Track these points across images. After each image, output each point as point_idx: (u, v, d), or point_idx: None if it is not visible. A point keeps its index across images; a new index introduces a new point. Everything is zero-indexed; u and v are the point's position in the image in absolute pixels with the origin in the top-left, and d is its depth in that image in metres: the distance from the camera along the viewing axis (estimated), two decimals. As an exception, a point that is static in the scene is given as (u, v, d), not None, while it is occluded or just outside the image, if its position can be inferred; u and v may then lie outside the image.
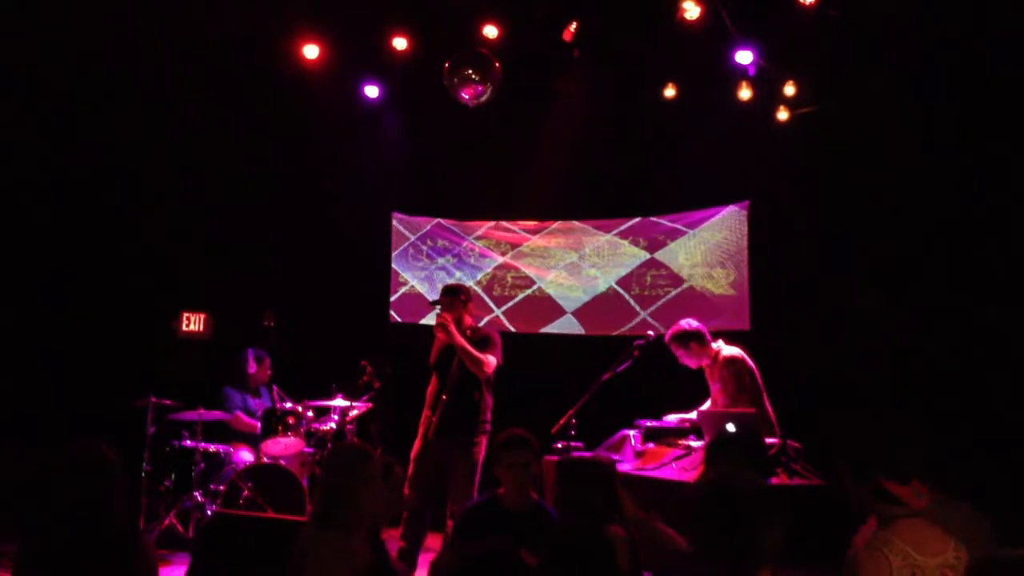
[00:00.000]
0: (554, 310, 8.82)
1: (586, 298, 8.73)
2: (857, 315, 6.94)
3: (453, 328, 5.87)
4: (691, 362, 6.26)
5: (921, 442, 2.90)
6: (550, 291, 8.88)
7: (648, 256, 8.51)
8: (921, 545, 2.69)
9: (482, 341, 5.99)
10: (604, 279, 8.69)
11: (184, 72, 7.72)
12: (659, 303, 8.38)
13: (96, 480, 3.06)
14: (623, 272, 8.62)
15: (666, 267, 8.42)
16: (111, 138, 8.03)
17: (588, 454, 5.63)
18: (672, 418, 6.32)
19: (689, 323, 6.24)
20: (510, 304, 8.96)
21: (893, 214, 6.90)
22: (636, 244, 8.59)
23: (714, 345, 6.20)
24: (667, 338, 6.26)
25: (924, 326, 6.59)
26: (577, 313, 8.73)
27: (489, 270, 9.11)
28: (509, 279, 9.03)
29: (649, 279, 8.48)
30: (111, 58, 7.44)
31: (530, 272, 8.95)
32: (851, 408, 6.30)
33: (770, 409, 5.96)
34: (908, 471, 2.84)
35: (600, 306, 8.67)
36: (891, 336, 6.73)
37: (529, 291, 8.94)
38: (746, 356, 6.10)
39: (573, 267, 8.82)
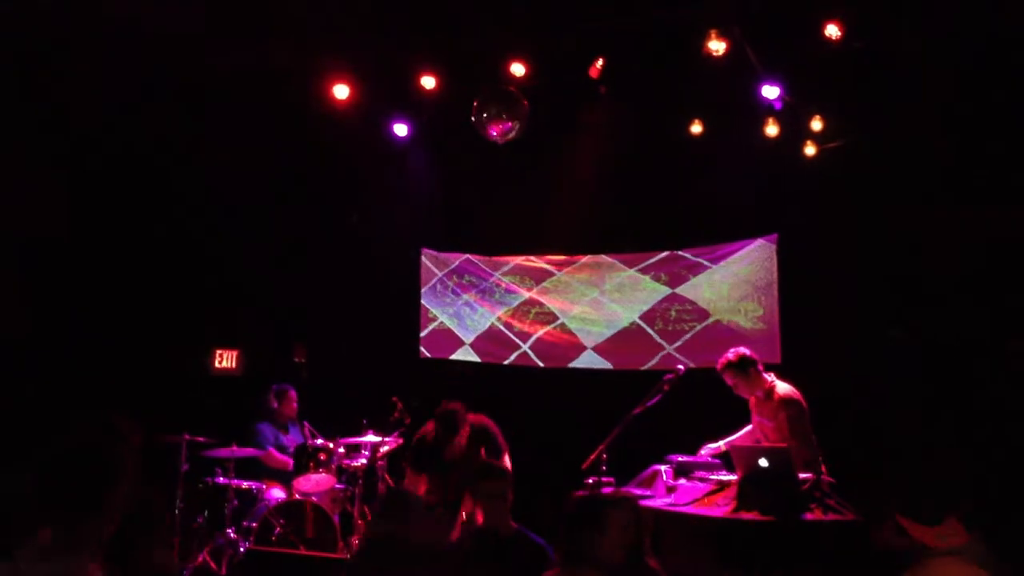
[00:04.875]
0: (576, 345, 8.80)
1: (608, 333, 8.71)
2: (888, 347, 6.90)
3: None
4: (745, 391, 6.13)
5: (949, 481, 2.84)
6: (572, 326, 8.86)
7: (669, 291, 8.49)
8: None
9: (495, 449, 6.20)
10: (626, 314, 8.67)
11: (217, 111, 7.83)
12: (685, 337, 8.35)
13: (136, 521, 3.05)
14: (644, 307, 8.59)
15: (690, 301, 8.39)
16: (141, 178, 8.15)
17: (609, 490, 5.60)
18: (711, 447, 6.24)
19: (740, 351, 6.10)
20: (532, 339, 8.96)
21: (922, 247, 6.87)
22: (658, 279, 8.56)
23: (767, 377, 6.09)
24: (720, 366, 6.13)
25: (956, 358, 6.53)
26: (599, 348, 8.70)
27: (513, 305, 9.12)
28: (532, 314, 9.03)
29: (673, 313, 8.45)
30: (144, 95, 7.57)
31: (555, 307, 8.95)
32: (881, 445, 6.28)
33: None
34: (929, 512, 2.79)
35: (623, 341, 8.64)
36: (922, 368, 6.68)
37: (551, 326, 8.93)
38: (801, 396, 5.95)
39: (595, 302, 8.80)
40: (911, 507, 2.78)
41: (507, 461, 6.10)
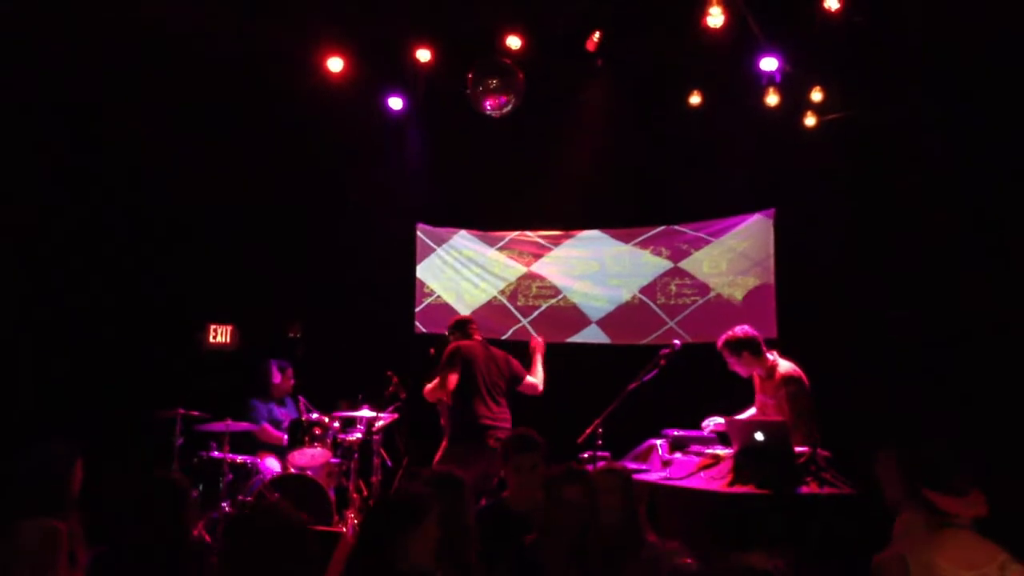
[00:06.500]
0: (579, 319, 8.77)
1: (610, 307, 8.68)
2: (886, 323, 6.86)
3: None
4: (741, 370, 6.10)
5: (967, 456, 2.88)
6: (575, 300, 8.83)
7: (671, 265, 8.46)
8: (956, 556, 2.64)
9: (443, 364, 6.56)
10: (628, 288, 8.63)
11: (209, 86, 7.77)
12: (686, 312, 8.32)
13: (176, 504, 3.47)
14: (645, 281, 8.55)
15: (690, 276, 8.36)
16: (137, 152, 8.08)
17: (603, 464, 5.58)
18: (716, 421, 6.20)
19: (745, 330, 6.04)
20: (535, 314, 8.93)
21: (922, 221, 6.82)
22: (658, 254, 8.53)
23: (769, 356, 6.03)
24: (719, 344, 6.09)
25: (956, 335, 6.50)
26: (602, 323, 8.68)
27: (513, 280, 9.07)
28: (534, 288, 8.99)
29: (674, 288, 8.42)
30: (139, 73, 7.51)
31: (556, 281, 8.91)
32: (886, 419, 6.27)
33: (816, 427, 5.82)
34: (962, 484, 2.81)
35: (625, 315, 8.60)
36: (921, 345, 6.65)
37: (554, 300, 8.91)
38: (802, 373, 5.91)
39: (597, 276, 8.77)
40: (942, 480, 2.81)
41: (451, 380, 6.34)
